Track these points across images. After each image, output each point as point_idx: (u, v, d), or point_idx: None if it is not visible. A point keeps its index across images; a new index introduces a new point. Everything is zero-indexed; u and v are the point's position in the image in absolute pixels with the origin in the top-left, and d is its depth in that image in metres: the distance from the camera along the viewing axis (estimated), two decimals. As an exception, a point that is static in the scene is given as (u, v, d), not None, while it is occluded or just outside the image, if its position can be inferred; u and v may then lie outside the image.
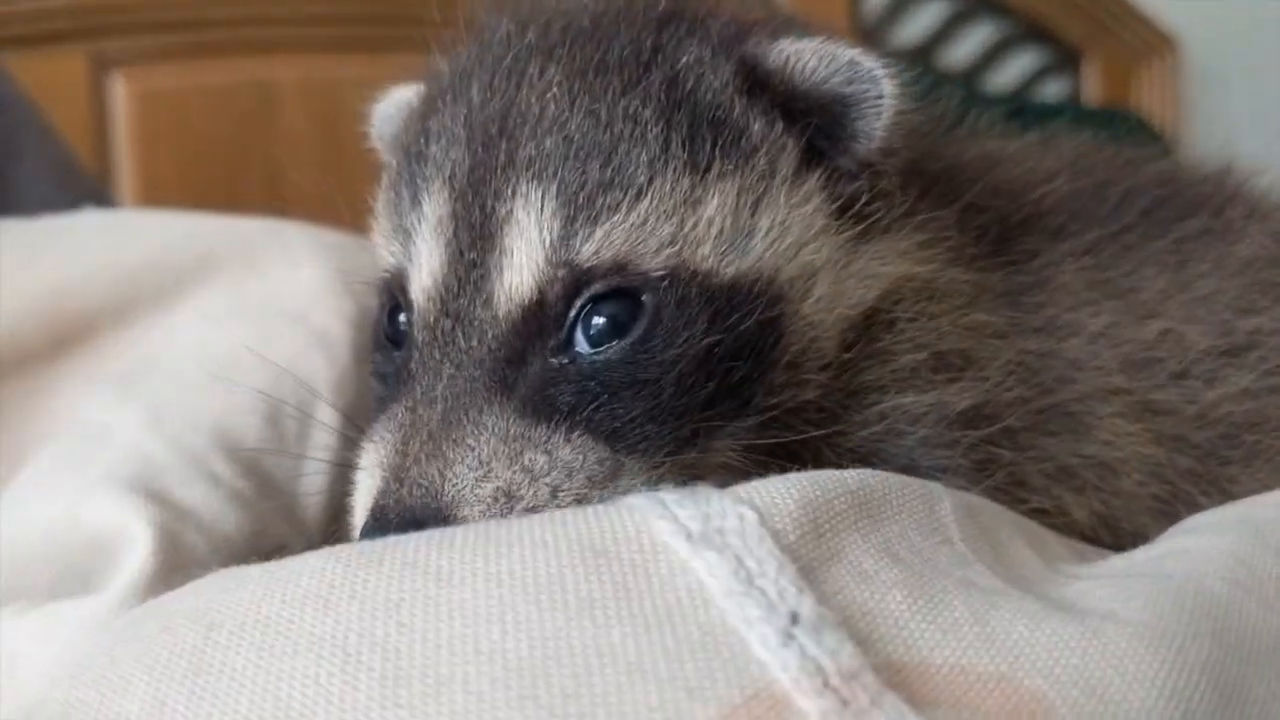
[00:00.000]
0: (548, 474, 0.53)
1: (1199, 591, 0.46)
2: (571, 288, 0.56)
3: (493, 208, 0.57)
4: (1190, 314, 0.67)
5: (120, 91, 1.97)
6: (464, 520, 0.51)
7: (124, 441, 0.69)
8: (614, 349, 0.55)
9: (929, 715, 0.38)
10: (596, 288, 0.56)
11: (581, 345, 0.56)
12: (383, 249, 0.64)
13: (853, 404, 0.60)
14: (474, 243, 0.57)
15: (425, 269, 0.58)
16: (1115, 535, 0.64)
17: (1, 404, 0.73)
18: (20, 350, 0.73)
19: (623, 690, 0.38)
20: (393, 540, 0.45)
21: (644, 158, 0.57)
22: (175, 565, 0.62)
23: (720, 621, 0.40)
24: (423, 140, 0.61)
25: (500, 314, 0.56)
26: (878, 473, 0.50)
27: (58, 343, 0.74)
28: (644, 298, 0.56)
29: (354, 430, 0.66)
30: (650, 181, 0.56)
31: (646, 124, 0.57)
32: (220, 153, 2.01)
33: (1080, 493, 0.64)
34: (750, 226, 0.58)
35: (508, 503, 0.52)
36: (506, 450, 0.53)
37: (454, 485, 0.52)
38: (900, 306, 0.62)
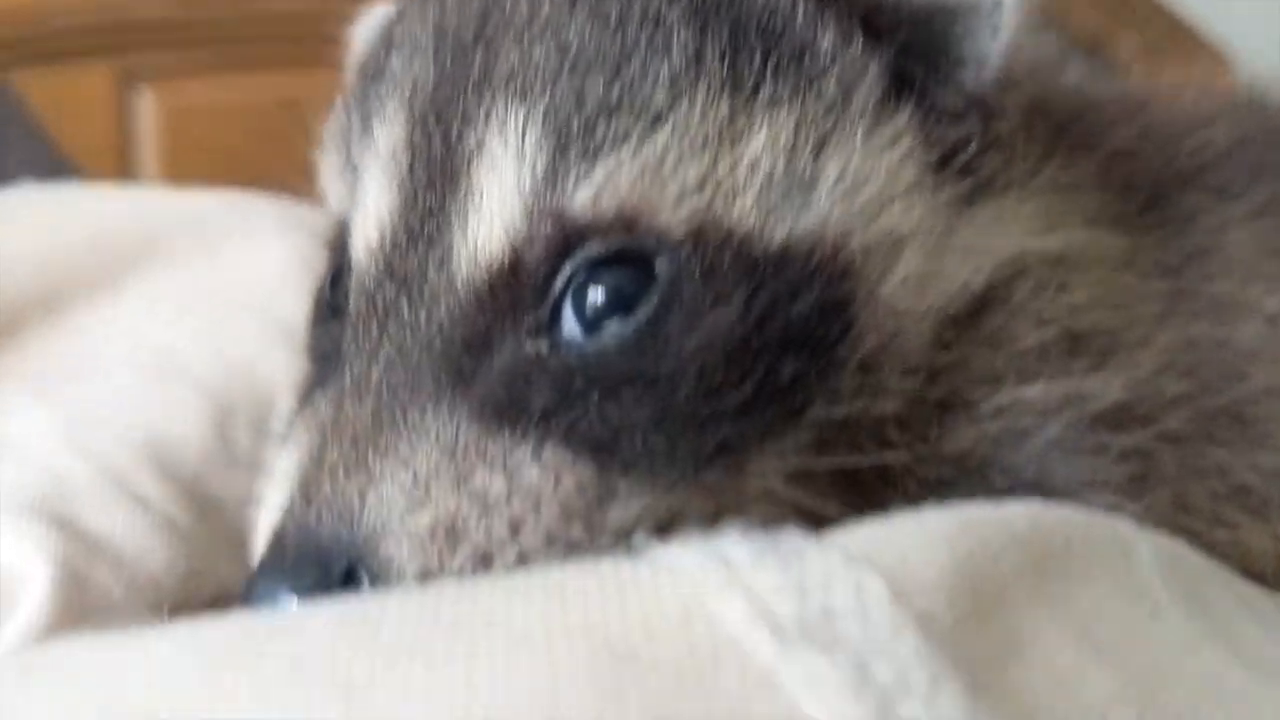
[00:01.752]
0: (506, 502, 0.37)
1: None
2: (559, 247, 0.39)
3: (459, 135, 0.41)
4: None
5: (149, 107, 1.89)
6: (385, 564, 0.36)
7: (36, 457, 0.53)
8: (613, 333, 0.39)
9: None
10: (593, 248, 0.39)
11: (569, 326, 0.39)
12: (329, 191, 0.48)
13: (952, 409, 0.42)
14: (433, 182, 0.41)
15: (371, 215, 0.42)
16: None
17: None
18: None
19: None
20: (287, 621, 0.26)
21: (665, 72, 0.41)
22: (82, 610, 0.47)
23: None
24: (382, 52, 0.45)
25: (460, 278, 0.40)
26: (1051, 508, 0.31)
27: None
28: (657, 264, 0.39)
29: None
30: (673, 105, 0.40)
31: (672, 27, 0.41)
32: (249, 169, 1.90)
33: (1260, 517, 0.45)
34: (812, 174, 0.41)
35: (448, 541, 0.36)
36: (452, 467, 0.37)
37: (376, 512, 0.37)
38: (1020, 284, 0.44)
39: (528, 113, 0.40)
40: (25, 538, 0.49)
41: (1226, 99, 0.57)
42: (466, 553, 0.36)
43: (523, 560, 0.36)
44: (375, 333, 0.40)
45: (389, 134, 0.42)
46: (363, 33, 0.55)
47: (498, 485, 0.37)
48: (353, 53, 0.56)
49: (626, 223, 0.39)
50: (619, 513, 0.37)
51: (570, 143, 0.39)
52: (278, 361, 0.58)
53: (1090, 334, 0.44)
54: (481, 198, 0.40)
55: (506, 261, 0.40)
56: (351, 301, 0.42)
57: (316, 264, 0.54)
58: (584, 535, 0.36)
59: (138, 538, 0.51)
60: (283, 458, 0.41)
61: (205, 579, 0.52)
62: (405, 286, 0.40)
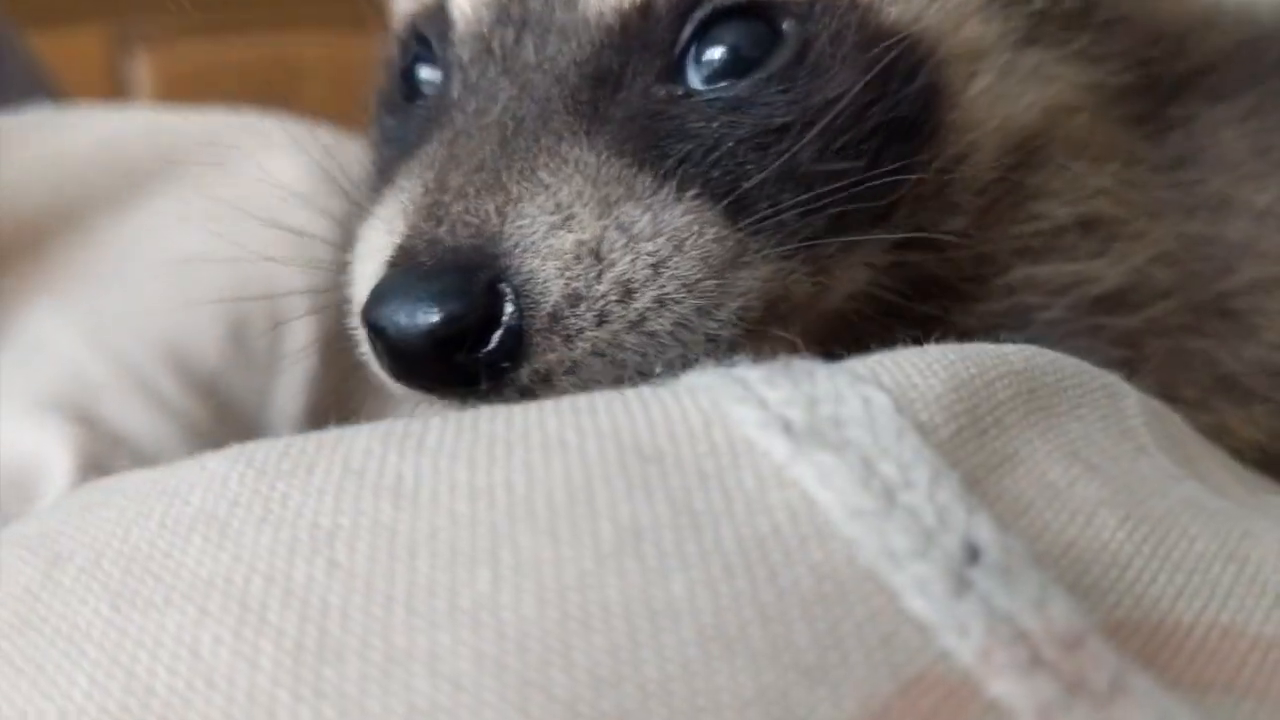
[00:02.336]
0: (650, 239, 0.36)
1: None
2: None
3: None
4: None
5: (144, 68, 1.91)
6: (530, 279, 0.35)
7: (57, 356, 0.54)
8: (743, 84, 0.39)
9: (1201, 708, 0.22)
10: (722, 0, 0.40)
11: (698, 73, 0.39)
12: None
13: (981, 275, 0.43)
14: None
15: None
16: None
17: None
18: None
19: (694, 673, 0.21)
20: (333, 435, 0.28)
21: None
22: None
23: (846, 559, 0.23)
24: None
25: (590, 17, 0.40)
26: (1045, 351, 0.33)
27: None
28: (785, 24, 0.40)
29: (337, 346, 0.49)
30: None
31: None
32: None
33: (1245, 406, 0.46)
34: None
35: (593, 265, 0.35)
36: (595, 194, 0.36)
37: (518, 229, 0.35)
38: (1053, 151, 0.45)
39: None
40: (47, 431, 0.49)
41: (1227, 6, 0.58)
42: (611, 279, 0.35)
43: (660, 304, 0.36)
44: (494, 73, 0.40)
45: None
46: None
47: (644, 220, 0.36)
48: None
49: None
50: (746, 276, 0.37)
51: None
52: (289, 269, 0.58)
53: (1099, 221, 0.45)
54: None
55: (637, 4, 0.39)
56: (459, 52, 0.41)
57: (336, 182, 0.54)
58: (715, 292, 0.36)
59: (157, 433, 0.52)
60: (377, 212, 0.40)
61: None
62: (526, 28, 0.40)
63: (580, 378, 0.35)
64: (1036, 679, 0.21)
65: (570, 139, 0.37)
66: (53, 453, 0.48)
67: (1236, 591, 0.25)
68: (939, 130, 0.41)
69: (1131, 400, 0.34)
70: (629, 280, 0.35)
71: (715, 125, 0.38)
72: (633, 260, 0.36)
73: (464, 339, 0.34)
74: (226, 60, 1.89)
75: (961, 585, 0.22)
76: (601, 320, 0.35)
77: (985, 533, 0.23)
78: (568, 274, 0.35)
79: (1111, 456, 0.29)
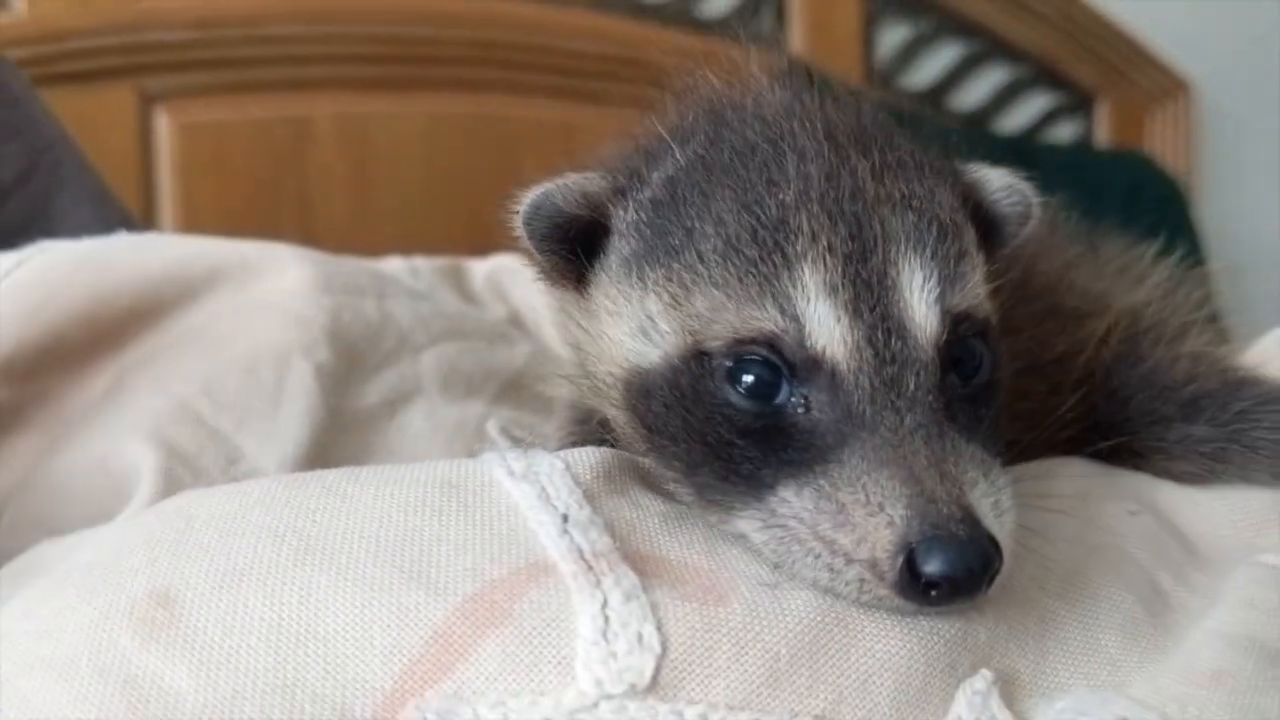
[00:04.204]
0: (1006, 486, 0.67)
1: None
2: (953, 328, 0.69)
3: (884, 271, 0.68)
4: None
5: (164, 125, 2.19)
6: (994, 533, 0.63)
7: (139, 403, 0.94)
8: (977, 380, 0.71)
9: (647, 582, 0.61)
10: (964, 328, 0.70)
11: (955, 381, 0.69)
12: (716, 314, 0.69)
13: None
14: (875, 301, 0.67)
15: (833, 324, 0.67)
16: None
17: (50, 389, 0.98)
18: (65, 346, 0.98)
19: (454, 559, 0.61)
20: (314, 474, 0.68)
21: (969, 238, 0.74)
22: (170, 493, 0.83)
23: (523, 524, 0.64)
24: (755, 213, 0.70)
25: (927, 357, 0.67)
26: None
27: (95, 340, 0.99)
28: (976, 340, 0.72)
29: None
30: (976, 256, 0.74)
31: (962, 213, 0.75)
32: (257, 184, 2.25)
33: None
34: (972, 280, 0.74)
35: (997, 513, 0.65)
36: (983, 470, 0.66)
37: (976, 502, 0.63)
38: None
39: (922, 257, 0.69)
40: (139, 450, 0.88)
41: None
42: (1009, 520, 0.65)
43: (1012, 525, 0.66)
44: (894, 397, 0.65)
45: (820, 273, 0.67)
46: (548, 201, 0.76)
47: (1002, 480, 0.67)
48: (535, 220, 0.76)
49: (969, 317, 0.71)
50: (992, 476, 0.67)
51: (946, 275, 0.69)
52: (291, 335, 0.99)
53: None
54: (916, 309, 0.68)
55: (943, 340, 0.68)
56: (853, 380, 0.66)
57: (328, 284, 0.96)
58: (989, 493, 0.66)
59: (197, 442, 0.92)
60: (803, 513, 0.64)
61: (239, 464, 0.92)
62: (898, 364, 0.66)
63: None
64: (578, 565, 0.60)
65: (956, 437, 0.66)
66: (142, 463, 0.87)
67: (700, 551, 0.65)
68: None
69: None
70: (1009, 514, 0.66)
71: (979, 408, 0.70)
72: (995, 500, 0.65)
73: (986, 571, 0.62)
74: (243, 119, 2.22)
75: (564, 531, 0.62)
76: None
77: (581, 513, 0.63)
78: (991, 522, 0.63)
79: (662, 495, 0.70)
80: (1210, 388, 0.85)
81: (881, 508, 0.62)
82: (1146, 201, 2.71)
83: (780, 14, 2.62)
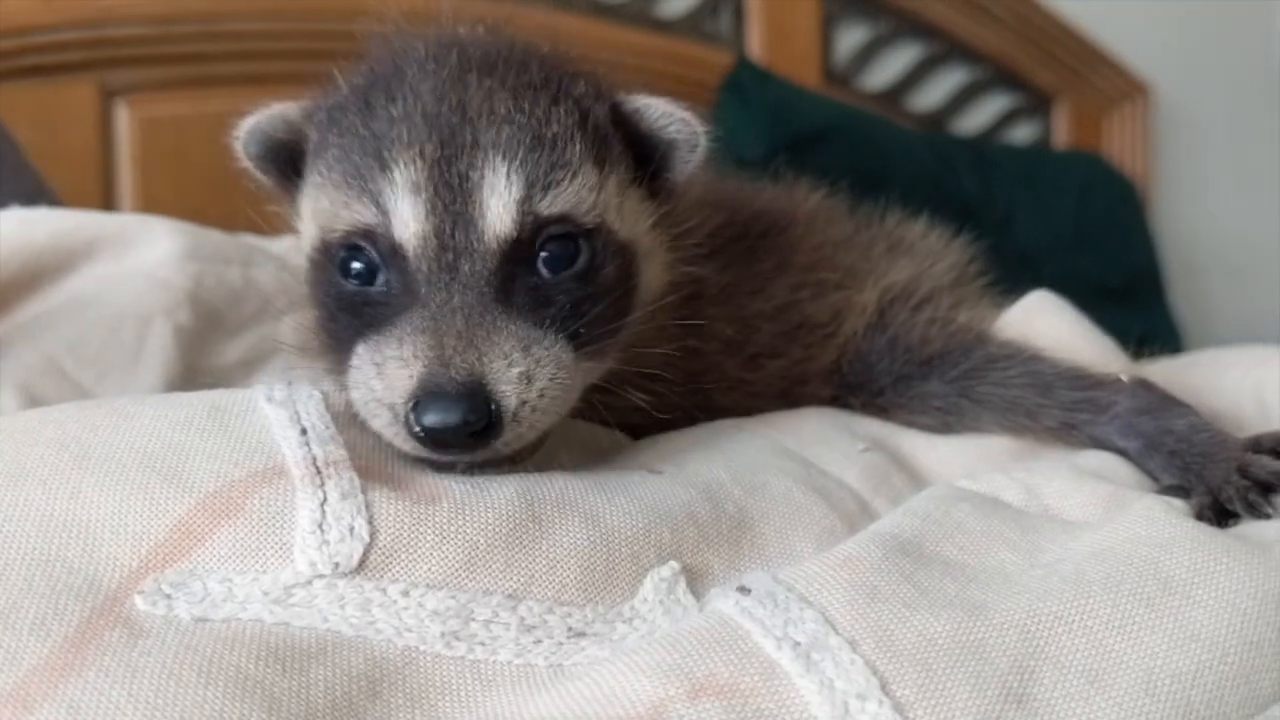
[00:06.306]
0: (550, 365, 0.78)
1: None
2: (535, 230, 0.81)
3: (466, 174, 0.80)
4: None
5: (124, 120, 2.30)
6: (501, 396, 0.75)
7: (14, 359, 1.08)
8: (565, 274, 0.82)
9: (366, 484, 0.74)
10: (552, 230, 0.82)
11: (544, 272, 0.82)
12: (336, 211, 0.85)
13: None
14: (454, 199, 0.80)
15: (410, 218, 0.80)
16: None
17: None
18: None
19: (204, 464, 0.74)
20: (109, 399, 0.81)
21: (575, 151, 0.84)
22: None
23: (270, 438, 0.77)
24: (372, 126, 0.84)
25: (491, 248, 0.80)
26: None
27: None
28: (580, 241, 0.83)
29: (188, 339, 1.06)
30: (579, 167, 0.84)
31: (571, 131, 0.85)
32: (216, 178, 2.29)
33: None
34: (623, 209, 0.88)
35: (527, 384, 0.76)
36: (521, 345, 0.77)
37: (491, 369, 0.75)
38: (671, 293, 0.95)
39: (509, 165, 0.80)
40: (9, 399, 1.04)
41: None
42: (535, 390, 0.76)
43: (552, 398, 0.77)
44: (446, 278, 0.78)
45: (409, 174, 0.80)
46: (261, 124, 0.94)
47: (544, 354, 0.77)
48: (251, 142, 0.95)
49: (565, 219, 0.82)
50: (580, 378, 0.81)
51: (535, 181, 0.81)
52: (154, 298, 1.14)
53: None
54: (491, 208, 0.79)
55: (513, 237, 0.80)
56: (416, 264, 0.79)
57: (195, 253, 1.09)
58: (572, 388, 0.80)
59: (60, 394, 1.06)
60: (389, 350, 0.78)
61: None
62: (459, 254, 0.78)
63: (520, 438, 0.77)
64: (309, 469, 0.73)
65: (501, 316, 0.77)
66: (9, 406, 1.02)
67: (423, 469, 0.77)
68: (635, 291, 0.89)
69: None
70: (542, 391, 0.76)
71: (560, 298, 0.81)
72: (543, 373, 0.76)
73: (474, 428, 0.74)
74: (202, 113, 2.24)
75: (304, 443, 0.75)
76: (532, 410, 0.76)
77: (323, 430, 0.77)
78: (516, 389, 0.75)
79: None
80: (944, 349, 0.99)
81: (406, 364, 0.76)
82: (1099, 201, 2.82)
83: (739, 14, 2.69)
